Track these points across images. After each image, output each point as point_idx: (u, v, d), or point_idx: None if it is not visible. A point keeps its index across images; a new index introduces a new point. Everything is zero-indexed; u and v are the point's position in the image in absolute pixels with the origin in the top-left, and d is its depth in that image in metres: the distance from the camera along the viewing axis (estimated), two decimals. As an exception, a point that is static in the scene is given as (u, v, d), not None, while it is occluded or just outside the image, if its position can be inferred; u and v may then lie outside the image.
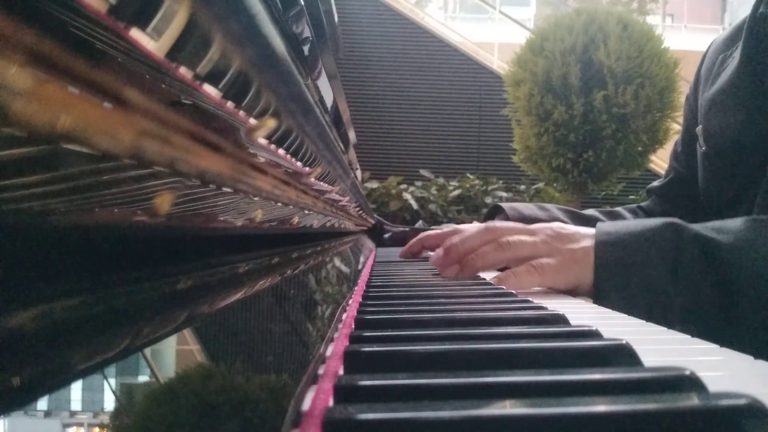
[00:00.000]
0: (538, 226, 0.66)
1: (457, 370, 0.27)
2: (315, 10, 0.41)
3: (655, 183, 1.12)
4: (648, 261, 0.57)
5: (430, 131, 6.03)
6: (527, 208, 1.04)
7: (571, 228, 0.65)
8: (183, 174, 0.22)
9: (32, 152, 0.14)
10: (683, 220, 0.61)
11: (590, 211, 1.07)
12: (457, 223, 1.25)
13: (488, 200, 5.04)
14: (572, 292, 0.61)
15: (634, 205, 1.14)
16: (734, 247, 0.55)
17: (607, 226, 0.63)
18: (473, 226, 1.10)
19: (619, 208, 1.11)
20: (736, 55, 0.82)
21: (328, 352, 0.29)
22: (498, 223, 0.68)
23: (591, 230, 0.63)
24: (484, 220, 1.15)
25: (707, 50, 0.97)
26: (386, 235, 1.72)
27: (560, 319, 0.38)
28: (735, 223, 0.58)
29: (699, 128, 0.91)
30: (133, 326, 0.20)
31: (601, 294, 0.58)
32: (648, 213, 1.10)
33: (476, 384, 0.23)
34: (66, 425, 0.14)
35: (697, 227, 0.59)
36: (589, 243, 0.61)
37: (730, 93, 0.83)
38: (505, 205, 1.05)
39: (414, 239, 1.14)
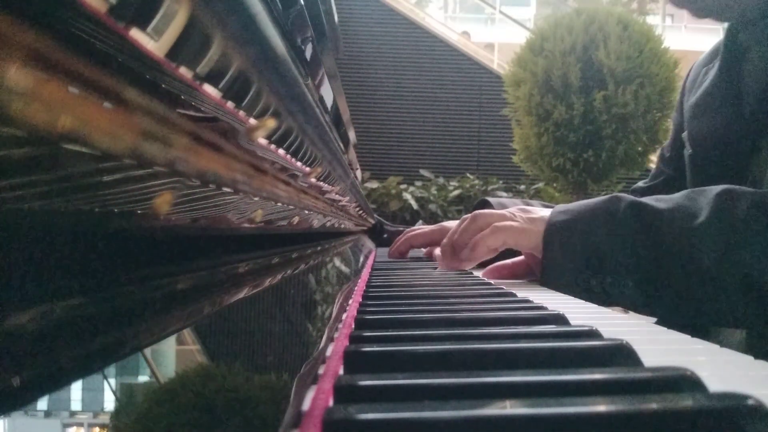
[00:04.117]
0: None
1: (457, 370, 0.27)
2: (315, 10, 0.41)
3: (641, 183, 1.14)
4: (589, 223, 0.67)
5: (430, 131, 6.02)
6: (512, 203, 1.06)
7: (536, 207, 0.78)
8: (183, 174, 0.22)
9: (32, 152, 0.14)
10: None
11: None
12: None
13: (488, 200, 5.02)
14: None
15: None
16: (665, 211, 0.63)
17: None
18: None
19: None
20: (716, 65, 0.89)
21: (328, 352, 0.29)
22: (479, 211, 0.78)
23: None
24: None
25: (693, 64, 1.03)
26: (386, 235, 1.72)
27: (560, 319, 0.38)
28: (675, 194, 0.67)
29: (684, 134, 0.94)
30: (133, 326, 0.20)
31: (546, 249, 0.67)
32: None
33: (476, 384, 0.23)
34: (66, 425, 0.14)
35: (638, 198, 0.68)
36: (546, 213, 0.71)
37: (709, 98, 0.90)
38: (492, 199, 1.09)
39: (401, 238, 1.15)
